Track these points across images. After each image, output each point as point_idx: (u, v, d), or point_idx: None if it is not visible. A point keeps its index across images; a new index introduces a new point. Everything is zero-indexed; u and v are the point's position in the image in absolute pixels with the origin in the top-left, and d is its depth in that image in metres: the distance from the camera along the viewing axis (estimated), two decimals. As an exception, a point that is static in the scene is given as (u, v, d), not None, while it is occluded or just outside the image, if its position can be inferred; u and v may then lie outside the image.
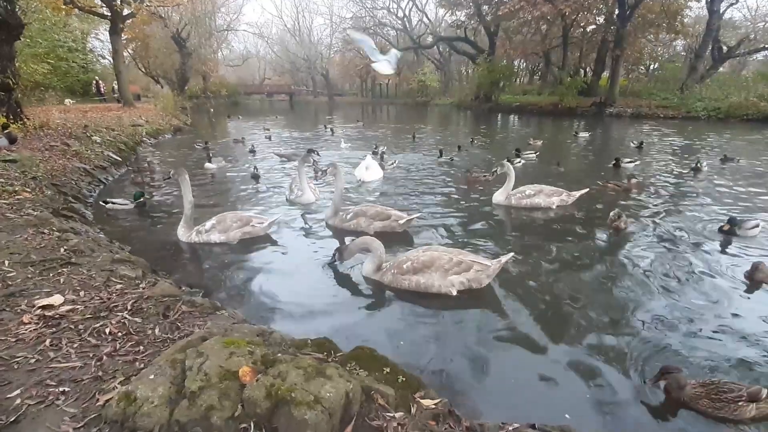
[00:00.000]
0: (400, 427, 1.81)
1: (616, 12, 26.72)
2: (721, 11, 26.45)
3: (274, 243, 5.14)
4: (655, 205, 6.54)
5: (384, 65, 7.58)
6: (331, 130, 17.85)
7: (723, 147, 12.79)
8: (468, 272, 3.70)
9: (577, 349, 3.00)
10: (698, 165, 8.87)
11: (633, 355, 2.90)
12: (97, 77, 27.48)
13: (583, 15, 29.29)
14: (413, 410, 1.94)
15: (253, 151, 11.91)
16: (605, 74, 32.87)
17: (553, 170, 9.41)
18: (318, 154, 11.14)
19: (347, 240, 4.76)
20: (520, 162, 10.02)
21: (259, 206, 6.77)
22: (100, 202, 6.50)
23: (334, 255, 4.26)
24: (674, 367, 2.45)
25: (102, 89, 26.40)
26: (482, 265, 3.70)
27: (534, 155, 11.01)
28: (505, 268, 4.23)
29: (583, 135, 15.55)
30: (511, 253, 3.87)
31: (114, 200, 6.44)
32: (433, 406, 2.00)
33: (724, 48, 28.10)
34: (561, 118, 25.46)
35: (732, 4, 28.05)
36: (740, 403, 2.31)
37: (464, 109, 36.89)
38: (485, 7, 34.36)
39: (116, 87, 26.67)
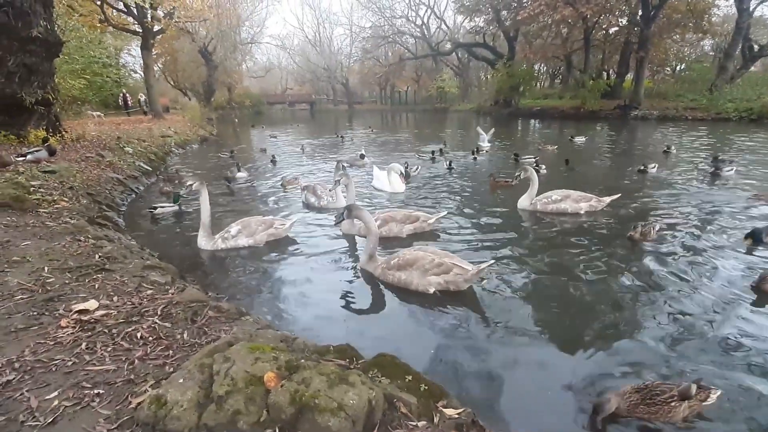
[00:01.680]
0: (423, 436, 1.80)
1: (640, 13, 26.08)
2: (751, 9, 25.39)
3: (294, 248, 5.24)
4: (676, 212, 6.25)
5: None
6: (342, 137, 18.46)
7: (753, 148, 12.23)
8: (447, 274, 3.80)
9: (598, 358, 2.92)
10: (717, 170, 8.44)
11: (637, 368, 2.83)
12: (124, 90, 28.04)
13: (605, 17, 28.70)
14: (436, 419, 1.92)
15: (274, 161, 12.15)
16: (629, 76, 32.07)
17: (562, 171, 9.14)
18: (364, 158, 11.45)
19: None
20: (544, 169, 9.80)
21: (283, 212, 6.93)
22: (148, 209, 6.81)
23: (342, 213, 4.47)
24: (600, 400, 2.35)
25: (129, 102, 27.08)
26: (462, 269, 3.76)
27: (533, 160, 10.69)
28: (528, 275, 4.19)
29: (580, 139, 15.16)
30: (492, 261, 3.90)
31: (162, 204, 6.86)
32: (457, 416, 1.97)
33: (755, 47, 26.90)
34: (583, 122, 24.93)
35: (762, 2, 26.85)
36: (673, 404, 2.28)
37: (484, 114, 36.61)
38: (504, 12, 34.20)
39: (142, 99, 27.63)
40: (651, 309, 3.55)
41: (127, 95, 27.16)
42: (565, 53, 34.39)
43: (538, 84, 45.53)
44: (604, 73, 35.92)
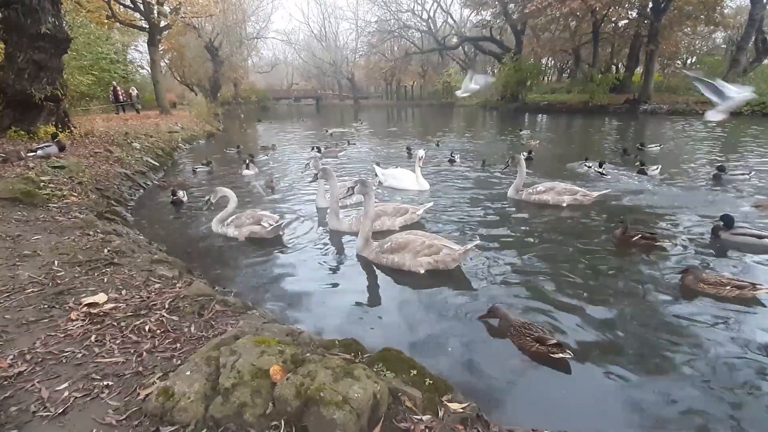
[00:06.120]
0: (427, 430, 1.80)
1: (650, 5, 25.62)
2: (764, 1, 24.81)
3: (301, 244, 5.26)
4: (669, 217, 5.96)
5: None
6: (326, 131, 18.96)
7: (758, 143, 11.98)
8: (437, 254, 4.09)
9: (605, 358, 2.91)
10: (720, 171, 7.90)
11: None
12: (114, 83, 24.63)
13: (615, 10, 28.16)
14: (441, 413, 1.93)
15: (270, 156, 12.22)
16: (639, 70, 31.61)
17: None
18: (319, 150, 11.54)
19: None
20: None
21: (286, 208, 6.91)
22: (170, 194, 7.15)
23: (352, 187, 4.72)
24: (501, 306, 3.12)
25: (120, 96, 23.88)
26: (450, 249, 4.05)
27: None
28: (528, 270, 4.19)
29: (525, 132, 15.60)
30: (477, 241, 4.25)
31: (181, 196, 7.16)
32: (461, 410, 1.98)
33: (769, 39, 26.33)
34: (591, 117, 24.64)
35: (777, -7, 26.21)
36: (528, 339, 2.88)
37: (490, 109, 36.33)
38: (511, 5, 33.74)
39: (133, 94, 25.93)
40: (606, 304, 3.59)
41: (118, 89, 24.12)
42: (574, 47, 33.93)
43: (546, 78, 45.05)
44: (613, 67, 35.47)
